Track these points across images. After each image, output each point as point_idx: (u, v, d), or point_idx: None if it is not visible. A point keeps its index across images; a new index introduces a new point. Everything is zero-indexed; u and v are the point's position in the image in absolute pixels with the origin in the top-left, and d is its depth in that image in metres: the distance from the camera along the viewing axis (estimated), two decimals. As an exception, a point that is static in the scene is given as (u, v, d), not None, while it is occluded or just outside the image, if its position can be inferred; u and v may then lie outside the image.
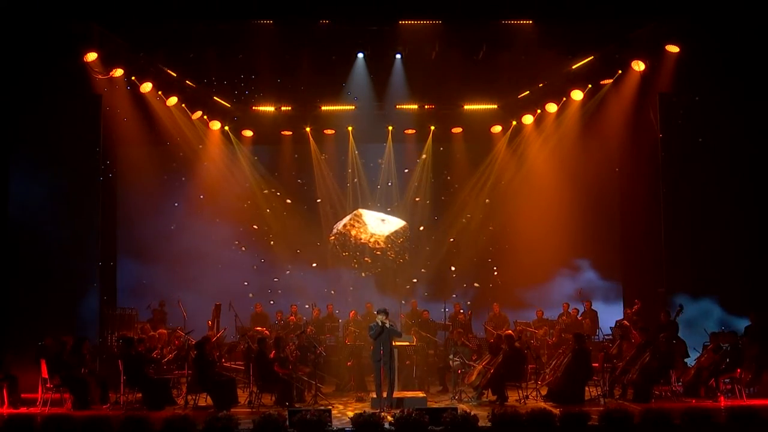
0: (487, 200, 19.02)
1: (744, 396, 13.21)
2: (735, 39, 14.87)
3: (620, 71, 16.34)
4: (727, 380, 13.33)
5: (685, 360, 14.58)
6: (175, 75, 16.92)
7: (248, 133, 18.96)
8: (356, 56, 16.52)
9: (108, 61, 15.41)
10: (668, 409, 11.14)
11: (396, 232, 17.02)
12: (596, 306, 17.54)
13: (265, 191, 19.10)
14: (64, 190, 15.67)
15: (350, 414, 11.61)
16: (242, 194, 19.04)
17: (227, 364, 14.45)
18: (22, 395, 13.30)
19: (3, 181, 15.53)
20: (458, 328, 15.97)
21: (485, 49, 15.90)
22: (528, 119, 18.46)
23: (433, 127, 18.91)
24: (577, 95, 17.09)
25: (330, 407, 12.34)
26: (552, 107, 17.85)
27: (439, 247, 19.16)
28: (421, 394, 13.39)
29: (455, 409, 11.13)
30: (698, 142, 15.84)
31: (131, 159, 18.08)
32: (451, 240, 19.07)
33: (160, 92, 16.85)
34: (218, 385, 12.89)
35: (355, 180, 19.26)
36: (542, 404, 12.94)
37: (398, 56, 16.54)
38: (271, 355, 13.60)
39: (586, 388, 13.48)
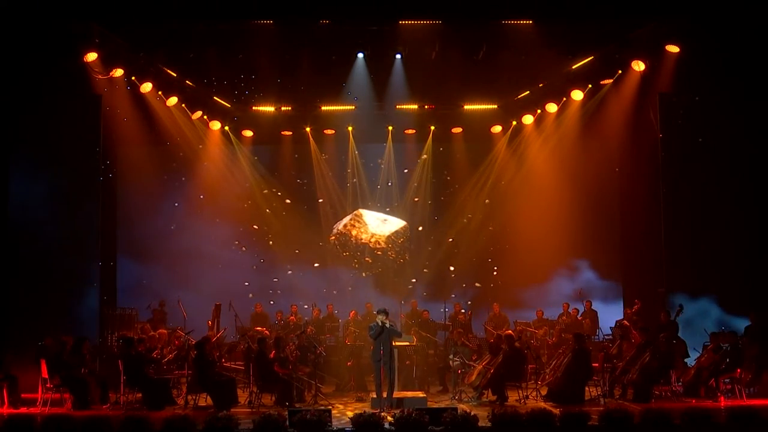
0: (487, 200, 19.00)
1: (744, 396, 13.21)
2: (735, 39, 14.87)
3: (620, 71, 16.34)
4: (727, 380, 13.33)
5: (685, 360, 14.58)
6: (175, 75, 16.91)
7: (248, 133, 18.95)
8: (356, 56, 16.52)
9: (108, 61, 15.42)
10: (668, 409, 11.14)
11: (396, 232, 16.99)
12: (596, 306, 17.54)
13: (265, 191, 19.08)
14: (64, 190, 15.67)
15: (350, 414, 11.61)
16: (242, 194, 19.02)
17: (227, 364, 14.44)
18: (22, 395, 13.30)
19: (3, 181, 15.53)
20: (458, 328, 15.96)
21: (485, 49, 15.90)
22: (528, 119, 18.44)
23: (433, 127, 18.89)
24: (577, 95, 17.09)
25: (330, 407, 12.35)
26: (552, 107, 17.84)
27: (438, 247, 19.14)
28: (421, 394, 13.37)
29: (455, 409, 11.13)
30: (698, 142, 15.84)
31: (131, 159, 18.07)
32: (450, 240, 19.07)
33: (160, 92, 16.84)
34: (218, 385, 12.89)
35: (355, 180, 19.25)
36: (542, 404, 12.93)
37: (398, 56, 16.53)
38: (271, 355, 13.59)
39: (586, 388, 13.47)
